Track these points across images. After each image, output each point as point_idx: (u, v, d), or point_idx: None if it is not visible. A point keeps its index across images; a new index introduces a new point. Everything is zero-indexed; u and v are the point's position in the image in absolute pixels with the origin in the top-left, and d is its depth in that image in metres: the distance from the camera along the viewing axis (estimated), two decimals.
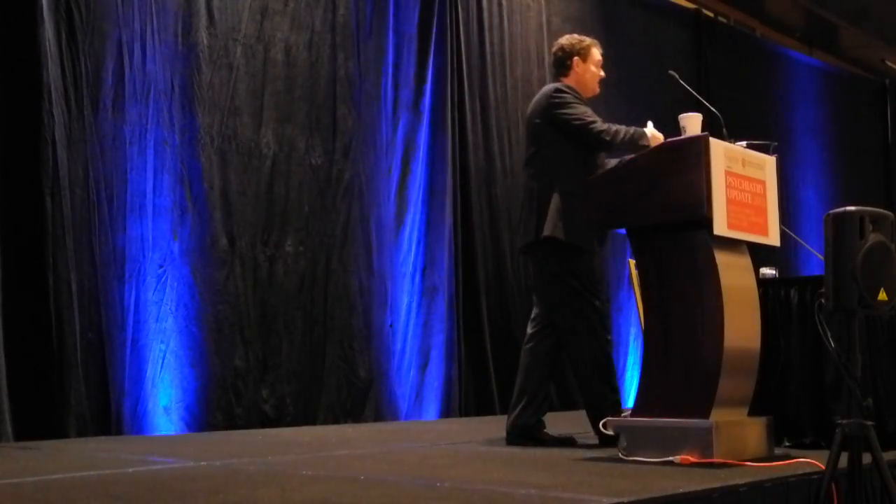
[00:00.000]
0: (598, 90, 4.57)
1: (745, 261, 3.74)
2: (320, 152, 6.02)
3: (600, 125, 4.24)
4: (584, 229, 4.21)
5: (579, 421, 4.67)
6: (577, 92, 4.40)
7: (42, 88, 4.88)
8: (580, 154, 4.29)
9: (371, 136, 6.31)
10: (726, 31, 10.05)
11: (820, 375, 4.02)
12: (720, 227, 3.52)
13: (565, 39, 4.58)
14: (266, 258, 5.70)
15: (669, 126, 4.08)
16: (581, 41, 4.54)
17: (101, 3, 5.14)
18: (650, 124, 4.21)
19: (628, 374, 7.74)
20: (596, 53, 4.53)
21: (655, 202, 3.63)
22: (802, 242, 5.96)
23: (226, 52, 5.63)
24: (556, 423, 4.63)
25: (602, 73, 4.55)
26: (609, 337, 4.38)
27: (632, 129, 4.20)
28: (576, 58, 4.48)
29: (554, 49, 4.59)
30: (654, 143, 4.07)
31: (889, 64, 12.38)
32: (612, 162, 4.30)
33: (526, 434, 4.33)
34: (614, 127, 4.24)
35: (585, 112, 4.32)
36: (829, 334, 2.98)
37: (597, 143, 4.25)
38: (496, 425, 5.09)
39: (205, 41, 5.54)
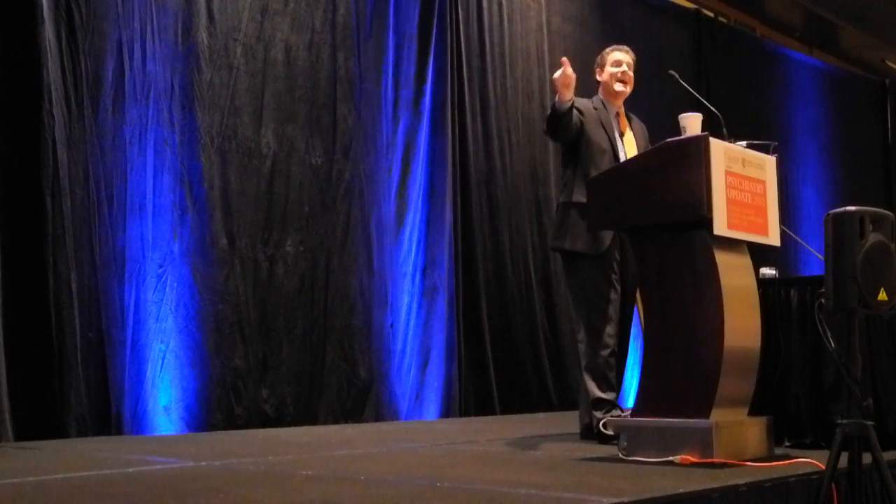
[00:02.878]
0: (622, 88, 4.56)
1: (745, 261, 3.74)
2: (320, 152, 6.02)
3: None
4: (583, 235, 4.35)
5: (578, 421, 4.67)
6: (581, 104, 4.48)
7: (42, 88, 4.88)
8: (579, 167, 4.44)
9: (371, 136, 6.31)
10: (726, 31, 10.05)
11: (820, 375, 4.02)
12: (720, 227, 3.52)
13: None
14: (266, 258, 5.70)
15: (670, 126, 4.09)
16: (602, 52, 4.69)
17: (101, 3, 5.14)
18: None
19: (628, 374, 7.72)
20: (611, 57, 4.61)
21: (655, 202, 3.63)
22: (802, 242, 5.97)
23: (226, 52, 5.62)
24: (557, 422, 4.63)
25: (619, 70, 4.56)
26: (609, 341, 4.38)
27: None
28: (597, 69, 4.66)
29: None
30: (559, 98, 4.19)
31: (889, 64, 12.38)
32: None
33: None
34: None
35: None
36: (829, 334, 2.98)
37: (551, 137, 4.54)
38: (496, 425, 5.10)
39: (205, 41, 5.54)
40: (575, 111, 4.39)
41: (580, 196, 4.34)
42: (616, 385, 4.43)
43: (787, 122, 10.10)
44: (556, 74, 4.19)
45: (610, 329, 4.35)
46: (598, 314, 4.35)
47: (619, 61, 4.57)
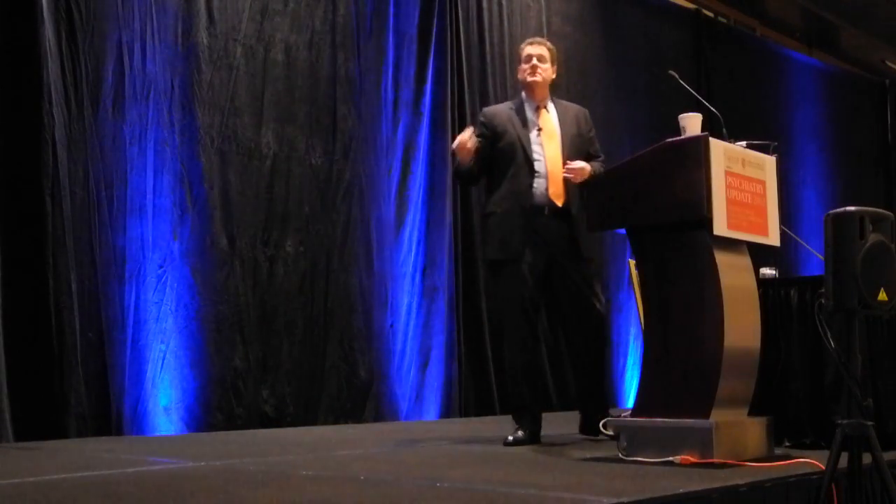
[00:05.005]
0: (530, 80, 4.47)
1: (745, 261, 3.74)
2: (320, 152, 6.02)
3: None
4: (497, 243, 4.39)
5: (578, 421, 4.67)
6: (482, 122, 4.50)
7: (42, 88, 4.88)
8: (494, 177, 4.46)
9: (371, 136, 6.31)
10: (726, 31, 10.05)
11: (820, 375, 4.02)
12: (720, 227, 3.52)
13: None
14: (266, 258, 5.70)
15: (669, 126, 4.09)
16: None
17: (101, 3, 5.14)
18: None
19: (628, 374, 7.74)
20: (523, 53, 4.55)
21: (655, 202, 3.63)
22: (802, 242, 5.96)
23: (226, 52, 5.63)
24: (557, 422, 4.63)
25: (528, 65, 4.48)
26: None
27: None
28: (517, 68, 4.62)
29: None
30: (460, 162, 4.34)
31: (889, 64, 12.38)
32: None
33: None
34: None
35: None
36: (829, 334, 2.98)
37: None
38: (496, 425, 5.09)
39: (205, 41, 5.54)
40: (481, 139, 4.39)
41: (492, 206, 4.39)
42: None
43: (787, 123, 10.09)
44: (454, 144, 4.28)
45: (526, 336, 4.34)
46: (514, 321, 4.34)
47: (528, 56, 4.50)
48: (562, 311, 4.47)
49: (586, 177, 4.23)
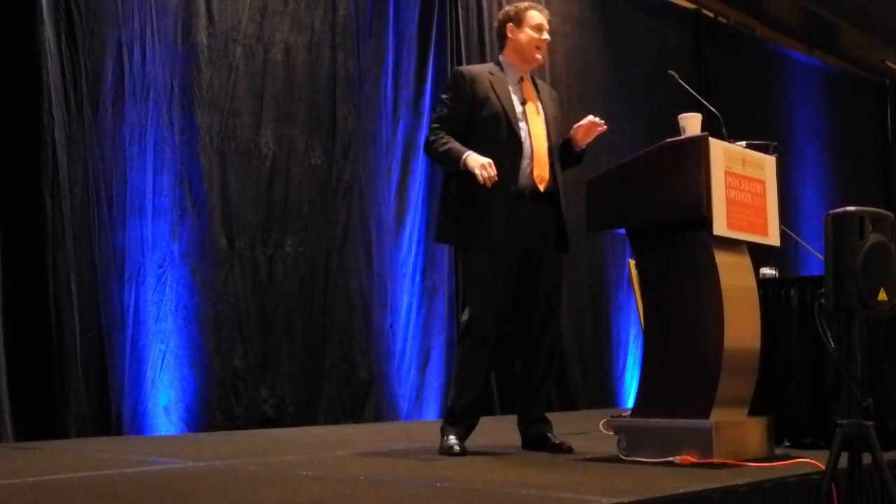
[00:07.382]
0: (539, 57, 4.04)
1: (745, 261, 3.74)
2: (320, 152, 6.02)
3: (431, 134, 3.94)
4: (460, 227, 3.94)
5: (577, 421, 4.67)
6: (461, 84, 3.93)
7: (42, 88, 4.88)
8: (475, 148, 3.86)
9: (371, 136, 6.31)
10: (726, 31, 10.05)
11: (820, 375, 4.03)
12: (720, 228, 3.52)
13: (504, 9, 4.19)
14: (266, 258, 5.70)
15: (669, 126, 4.08)
16: (518, 6, 4.07)
17: (100, 4, 5.15)
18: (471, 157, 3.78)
19: (628, 374, 7.73)
20: (533, 17, 4.02)
21: (655, 202, 3.62)
22: (802, 242, 5.96)
23: (225, 53, 5.63)
24: (556, 423, 4.62)
25: (543, 37, 4.02)
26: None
27: (453, 148, 3.83)
28: (510, 24, 4.04)
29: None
30: (469, 168, 3.74)
31: (889, 64, 12.38)
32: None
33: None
34: (439, 139, 3.88)
35: (441, 113, 3.97)
36: (829, 334, 2.98)
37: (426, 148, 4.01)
38: (496, 425, 5.09)
39: (205, 41, 5.54)
40: (462, 101, 3.92)
41: (467, 184, 3.81)
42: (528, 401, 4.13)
43: (787, 123, 10.10)
44: (485, 174, 3.71)
45: (490, 331, 3.93)
46: (484, 315, 3.89)
47: (540, 25, 4.01)
48: (522, 311, 4.03)
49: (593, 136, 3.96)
